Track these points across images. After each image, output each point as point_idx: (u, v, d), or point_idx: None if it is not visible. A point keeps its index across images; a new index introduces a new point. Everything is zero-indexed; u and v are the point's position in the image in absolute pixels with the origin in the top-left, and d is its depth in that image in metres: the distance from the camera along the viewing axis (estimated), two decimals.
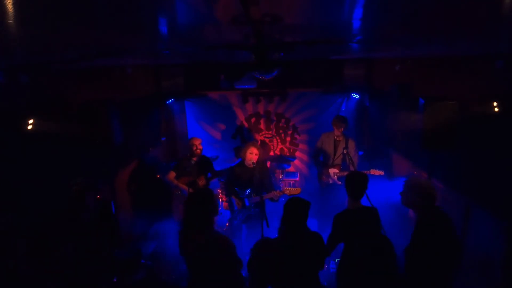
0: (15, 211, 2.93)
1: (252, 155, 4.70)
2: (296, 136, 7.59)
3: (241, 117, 7.46)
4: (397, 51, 4.10)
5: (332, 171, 5.59)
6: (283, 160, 6.92)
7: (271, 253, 2.98)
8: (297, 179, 7.14)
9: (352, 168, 5.24)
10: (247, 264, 3.04)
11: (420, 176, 3.50)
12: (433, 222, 2.93)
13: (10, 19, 1.40)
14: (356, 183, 3.36)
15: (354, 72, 6.31)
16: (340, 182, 5.53)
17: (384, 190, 5.28)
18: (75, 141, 3.39)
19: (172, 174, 5.38)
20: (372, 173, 5.13)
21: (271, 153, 7.56)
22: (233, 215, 5.02)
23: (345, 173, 5.46)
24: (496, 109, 3.13)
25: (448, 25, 2.00)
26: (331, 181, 5.65)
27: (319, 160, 5.87)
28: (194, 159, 5.42)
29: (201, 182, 5.37)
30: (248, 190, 4.77)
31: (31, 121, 3.11)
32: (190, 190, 5.23)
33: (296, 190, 4.50)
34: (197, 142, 5.46)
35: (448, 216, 2.97)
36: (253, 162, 4.66)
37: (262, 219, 4.08)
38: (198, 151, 5.44)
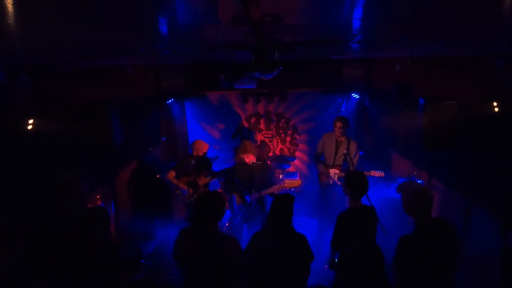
0: (15, 211, 2.93)
1: (249, 158, 4.78)
2: (296, 136, 7.59)
3: (241, 117, 7.46)
4: (397, 51, 4.11)
5: (333, 171, 5.59)
6: (283, 160, 6.91)
7: (257, 250, 2.98)
8: (297, 179, 7.14)
9: (351, 169, 5.24)
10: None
11: (413, 182, 3.45)
12: (430, 233, 2.84)
13: (10, 19, 1.40)
14: (356, 182, 3.36)
15: (354, 72, 6.31)
16: (340, 183, 5.53)
17: (385, 190, 5.28)
18: (75, 141, 3.38)
19: (172, 174, 5.38)
20: (372, 174, 5.12)
21: (271, 153, 7.56)
22: (234, 214, 5.04)
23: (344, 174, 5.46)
24: (496, 109, 3.13)
25: (448, 25, 2.00)
26: (331, 182, 5.65)
27: (320, 160, 5.87)
28: (193, 160, 5.44)
29: (201, 181, 5.39)
30: (249, 187, 4.81)
31: (31, 121, 3.11)
32: (190, 190, 5.24)
33: (296, 182, 4.48)
34: (206, 149, 5.48)
35: (449, 225, 2.89)
36: (253, 162, 4.71)
37: (262, 217, 4.09)
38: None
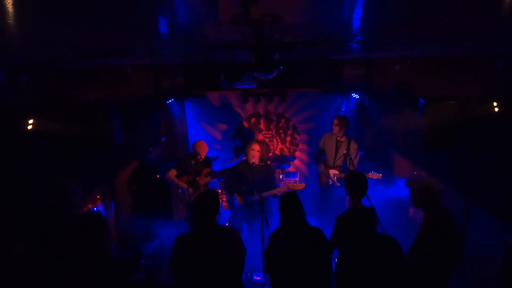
0: (14, 212, 2.92)
1: (254, 151, 4.78)
2: (296, 136, 7.59)
3: (241, 117, 7.46)
4: (397, 51, 4.10)
5: (332, 172, 5.58)
6: (283, 160, 6.91)
7: (275, 246, 3.02)
8: (297, 179, 7.14)
9: (352, 170, 5.24)
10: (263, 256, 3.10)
11: (422, 176, 3.50)
12: (440, 223, 2.95)
13: (10, 19, 1.40)
14: (355, 183, 3.36)
15: (354, 72, 6.30)
16: (339, 184, 5.52)
17: (385, 190, 5.28)
18: (75, 141, 3.38)
19: (173, 172, 5.40)
20: (370, 176, 5.09)
21: (271, 153, 7.57)
22: (234, 214, 5.05)
23: (344, 175, 5.45)
24: (496, 109, 3.12)
25: (448, 25, 2.00)
26: (330, 182, 5.65)
27: (320, 160, 5.86)
28: (193, 161, 5.45)
29: (202, 181, 5.40)
30: (251, 188, 4.81)
31: (31, 121, 3.11)
32: (190, 189, 5.24)
33: (300, 186, 4.51)
34: (204, 152, 5.47)
35: (454, 217, 3.00)
36: (253, 162, 4.72)
37: (262, 219, 4.09)
38: (201, 160, 5.49)
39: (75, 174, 3.70)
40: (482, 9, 1.51)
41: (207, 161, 5.64)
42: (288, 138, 7.63)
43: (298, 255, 2.96)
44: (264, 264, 3.12)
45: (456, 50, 3.53)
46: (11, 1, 1.09)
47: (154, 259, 4.93)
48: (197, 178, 5.39)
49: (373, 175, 5.11)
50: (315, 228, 3.12)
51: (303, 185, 4.53)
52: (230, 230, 3.12)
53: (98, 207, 4.55)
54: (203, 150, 5.46)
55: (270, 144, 7.57)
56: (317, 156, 5.92)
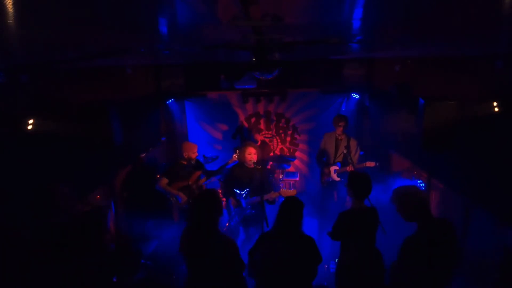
0: (13, 212, 2.93)
1: (251, 155, 4.69)
2: (296, 136, 7.60)
3: (241, 117, 7.46)
4: (397, 51, 4.10)
5: (332, 168, 5.62)
6: (283, 160, 6.92)
7: (263, 254, 3.00)
8: (297, 179, 7.14)
9: (351, 167, 5.27)
10: (247, 266, 3.05)
11: (402, 187, 3.38)
12: (432, 235, 2.84)
13: (10, 19, 1.40)
14: (359, 183, 3.36)
15: (354, 72, 6.32)
16: (338, 179, 5.55)
17: (384, 190, 5.28)
18: (75, 141, 3.38)
19: (164, 181, 5.20)
20: (368, 165, 5.23)
21: (271, 153, 7.57)
22: (229, 217, 5.01)
23: (344, 169, 5.47)
24: (496, 109, 3.12)
25: (448, 26, 2.00)
26: (330, 179, 5.68)
27: (322, 160, 5.88)
28: (185, 163, 5.33)
29: (194, 185, 5.28)
30: (246, 191, 4.75)
31: (31, 121, 3.11)
32: (184, 195, 5.19)
33: (291, 192, 4.49)
34: (195, 149, 5.34)
35: (449, 226, 2.90)
36: (253, 162, 4.66)
37: (262, 221, 4.06)
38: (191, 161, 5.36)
39: (74, 175, 3.70)
40: (481, 9, 1.51)
41: (198, 164, 5.51)
42: (288, 138, 7.63)
43: (286, 261, 2.92)
44: (248, 262, 3.06)
45: (456, 50, 3.54)
46: (11, 1, 1.09)
47: (154, 259, 4.93)
48: (190, 183, 5.23)
49: (370, 164, 5.24)
50: (308, 236, 3.07)
51: (293, 192, 4.48)
52: (225, 239, 3.01)
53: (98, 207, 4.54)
54: (189, 150, 5.30)
55: (270, 144, 7.57)
56: (318, 157, 5.94)
